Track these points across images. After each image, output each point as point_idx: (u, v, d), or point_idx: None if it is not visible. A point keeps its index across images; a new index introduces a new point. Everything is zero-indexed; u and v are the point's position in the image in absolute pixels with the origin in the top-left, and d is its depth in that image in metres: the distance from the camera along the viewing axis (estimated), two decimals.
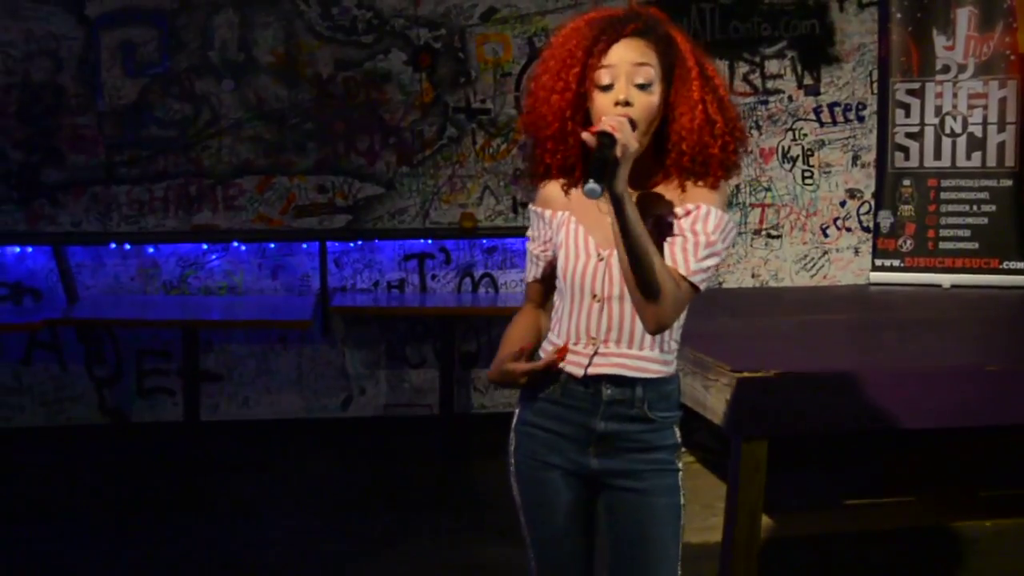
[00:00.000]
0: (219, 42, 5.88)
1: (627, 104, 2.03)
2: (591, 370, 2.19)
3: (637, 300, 2.05)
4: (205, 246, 5.97)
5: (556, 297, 2.28)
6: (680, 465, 2.29)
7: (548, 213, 2.26)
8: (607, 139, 1.95)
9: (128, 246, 5.87)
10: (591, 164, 1.94)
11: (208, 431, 5.72)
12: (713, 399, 3.80)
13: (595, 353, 2.19)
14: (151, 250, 5.93)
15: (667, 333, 2.19)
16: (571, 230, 2.20)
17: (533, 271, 2.35)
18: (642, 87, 2.05)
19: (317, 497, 5.08)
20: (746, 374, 3.64)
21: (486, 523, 4.54)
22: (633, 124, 2.03)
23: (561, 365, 2.22)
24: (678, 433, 2.29)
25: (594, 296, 2.17)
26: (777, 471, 3.81)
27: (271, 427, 6.03)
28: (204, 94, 5.89)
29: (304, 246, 6.03)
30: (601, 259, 2.15)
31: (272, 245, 6.01)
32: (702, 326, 4.79)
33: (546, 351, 2.27)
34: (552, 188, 2.25)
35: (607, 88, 2.05)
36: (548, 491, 2.26)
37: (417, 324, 6.13)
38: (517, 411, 2.34)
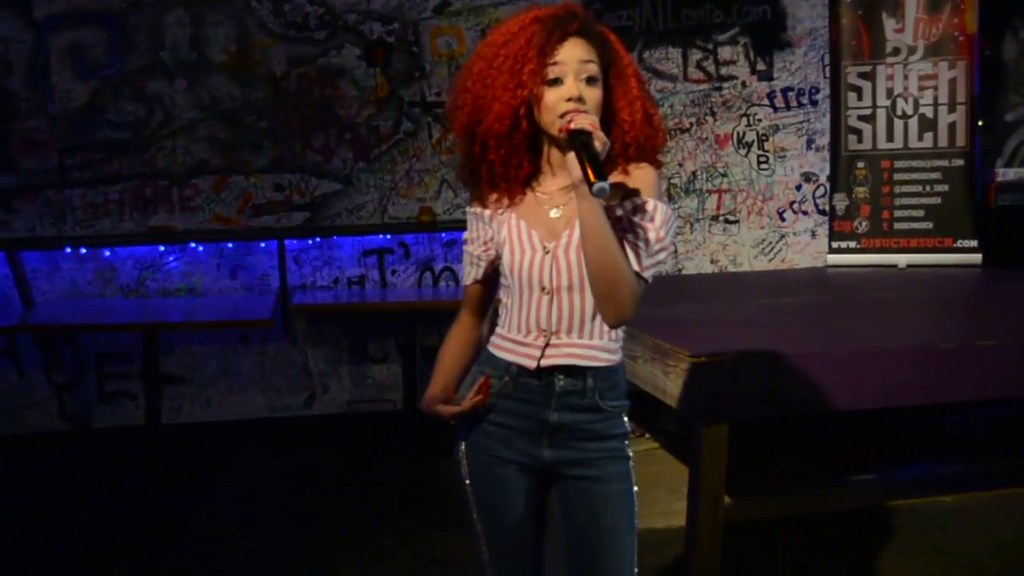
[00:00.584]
0: (170, 42, 5.84)
1: (580, 99, 2.08)
2: (544, 362, 2.21)
3: (602, 293, 2.07)
4: (162, 248, 5.92)
5: (503, 294, 2.31)
6: (631, 452, 2.30)
7: (487, 213, 2.27)
8: (586, 137, 1.99)
9: (84, 250, 5.82)
10: (591, 163, 1.95)
11: (171, 434, 5.69)
12: (673, 385, 3.82)
13: (547, 344, 2.21)
14: (107, 253, 5.88)
15: (594, 321, 2.21)
16: (514, 226, 2.22)
17: (473, 272, 2.33)
18: (590, 81, 2.11)
19: (283, 496, 5.06)
20: (704, 359, 3.67)
21: (453, 516, 4.53)
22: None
23: (513, 358, 2.24)
24: (627, 421, 2.30)
25: (543, 289, 2.19)
26: (738, 454, 3.84)
27: (235, 428, 6.00)
28: (157, 95, 5.84)
29: (262, 245, 6.00)
30: (547, 252, 2.17)
31: (230, 245, 5.97)
32: (661, 313, 4.84)
33: (495, 344, 2.30)
34: (485, 187, 2.26)
35: (555, 83, 2.09)
36: (502, 487, 2.29)
37: (378, 319, 6.12)
38: None
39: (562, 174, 2.17)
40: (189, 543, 4.46)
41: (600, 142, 1.99)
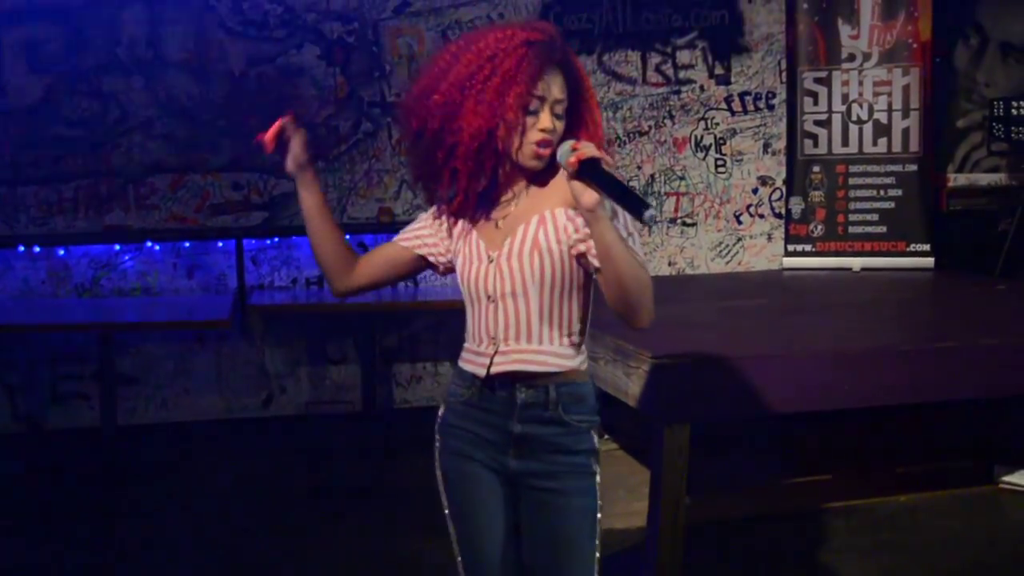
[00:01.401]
0: (127, 38, 5.78)
1: (553, 131, 2.16)
2: (493, 369, 2.23)
3: (639, 302, 2.13)
4: (118, 247, 5.86)
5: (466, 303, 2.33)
6: (598, 470, 2.30)
7: (449, 222, 2.34)
8: (597, 163, 2.03)
9: (37, 249, 5.74)
10: (628, 197, 2.01)
11: (127, 435, 5.62)
12: (634, 386, 3.84)
13: (495, 352, 2.24)
14: (61, 252, 5.80)
15: (566, 325, 2.23)
16: (470, 239, 2.28)
17: (404, 242, 2.39)
18: (558, 116, 2.19)
19: (240, 497, 5.02)
20: (666, 360, 3.69)
21: (411, 518, 4.53)
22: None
23: (471, 368, 2.28)
24: (596, 438, 2.30)
25: (488, 297, 2.24)
26: (697, 455, 3.87)
27: (191, 429, 5.94)
28: (113, 92, 5.78)
29: (220, 244, 5.95)
30: (491, 260, 2.22)
31: (187, 244, 5.92)
32: None
33: (462, 357, 2.33)
34: (443, 190, 2.28)
35: (532, 112, 2.15)
36: (473, 485, 2.30)
37: (337, 320, 6.09)
38: (440, 412, 2.38)
39: (511, 188, 2.25)
40: (144, 545, 4.41)
41: (607, 164, 2.04)
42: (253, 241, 5.97)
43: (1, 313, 5.49)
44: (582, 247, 2.15)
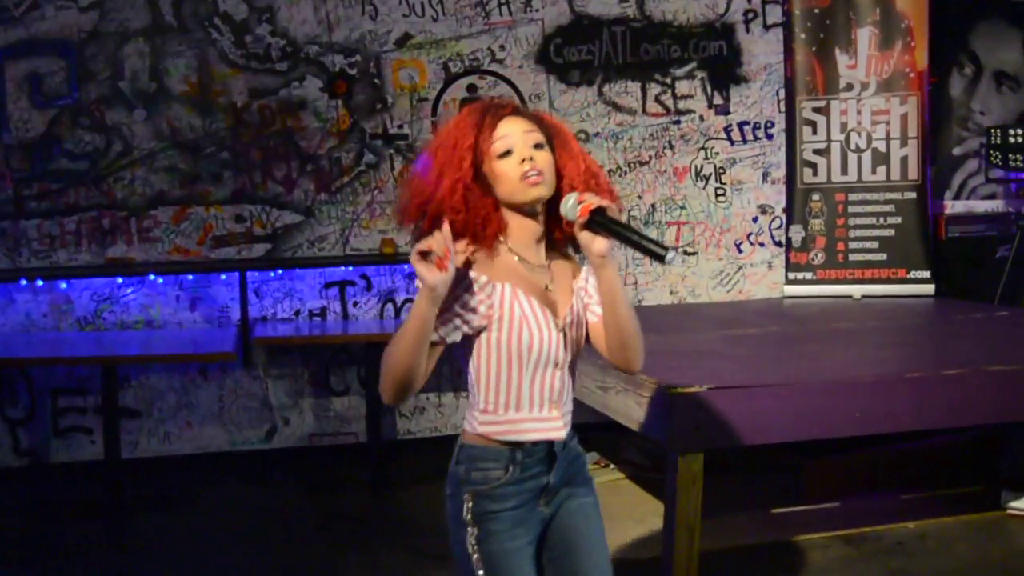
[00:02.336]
0: (130, 71, 5.78)
1: (532, 159, 2.23)
2: (566, 428, 2.34)
3: (636, 347, 2.34)
4: (120, 280, 5.84)
5: (491, 370, 2.27)
6: (591, 475, 2.48)
7: (485, 280, 2.25)
8: (603, 213, 2.16)
9: (40, 282, 5.71)
10: (644, 242, 2.15)
11: (129, 469, 5.58)
12: (646, 415, 3.85)
13: (563, 414, 2.33)
14: (64, 285, 5.78)
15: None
16: (523, 301, 2.25)
17: (442, 333, 2.23)
18: (538, 147, 2.26)
19: (244, 531, 4.99)
20: (680, 389, 3.70)
21: (419, 549, 4.52)
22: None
23: (530, 436, 2.28)
24: (579, 445, 2.46)
25: (556, 365, 2.30)
26: (706, 482, 3.87)
27: (194, 462, 5.91)
28: (115, 125, 5.78)
29: (223, 277, 5.94)
30: (560, 330, 2.30)
31: (190, 277, 5.91)
32: None
33: (494, 430, 2.29)
34: (480, 257, 2.28)
35: (506, 155, 2.25)
36: (519, 561, 2.31)
37: (340, 352, 6.08)
38: (468, 502, 2.29)
39: (533, 244, 2.32)
40: None
41: (612, 210, 2.17)
42: (256, 273, 5.96)
43: (3, 347, 5.46)
44: (586, 298, 2.35)
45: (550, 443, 2.31)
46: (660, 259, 2.12)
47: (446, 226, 2.12)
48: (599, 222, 2.16)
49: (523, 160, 2.23)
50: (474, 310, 2.23)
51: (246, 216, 5.97)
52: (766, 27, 6.58)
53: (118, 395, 5.46)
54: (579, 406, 5.41)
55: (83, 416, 5.83)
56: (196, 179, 5.90)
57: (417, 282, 2.10)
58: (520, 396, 2.28)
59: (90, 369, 5.61)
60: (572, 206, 2.19)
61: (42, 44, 5.68)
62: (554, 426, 2.30)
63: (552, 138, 2.31)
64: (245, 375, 6.00)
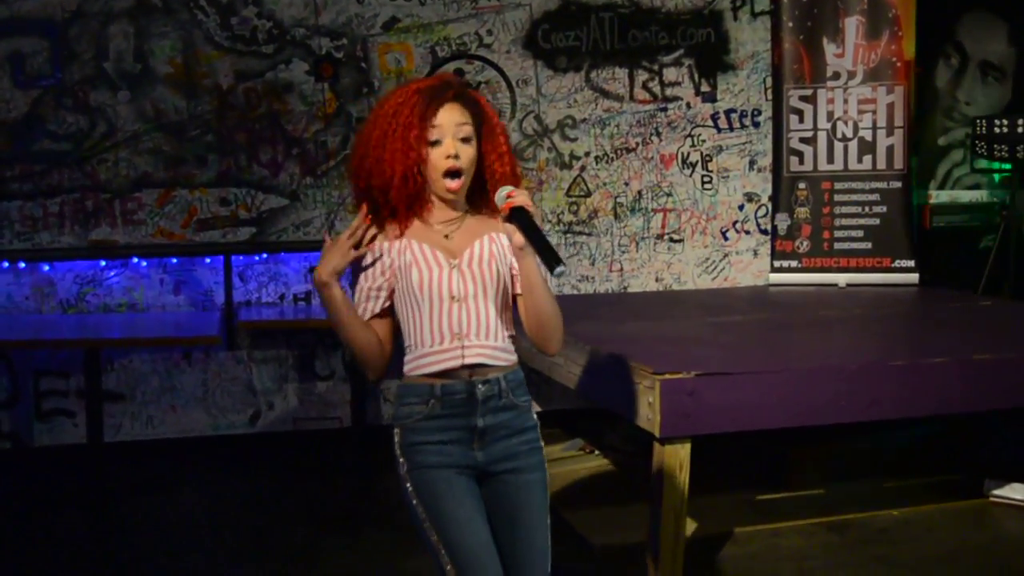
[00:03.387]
0: (114, 52, 5.73)
1: (456, 157, 2.48)
2: (465, 360, 2.48)
3: (555, 327, 2.53)
4: (103, 262, 5.79)
5: (407, 318, 2.53)
6: (542, 443, 2.62)
7: (385, 245, 2.52)
8: (523, 213, 2.40)
9: (22, 264, 5.67)
10: (546, 253, 2.37)
11: (112, 453, 5.56)
12: (636, 402, 3.85)
13: (462, 346, 2.48)
14: (46, 268, 5.74)
15: (506, 325, 2.56)
16: (416, 249, 2.50)
17: (371, 307, 2.55)
18: (465, 140, 2.50)
19: (228, 516, 4.97)
20: (668, 376, 3.70)
21: (403, 534, 4.49)
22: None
23: (436, 368, 2.48)
24: (535, 415, 2.61)
25: (452, 297, 2.49)
26: (691, 470, 3.88)
27: (177, 446, 5.88)
28: (99, 106, 5.73)
29: (207, 260, 5.91)
30: (453, 267, 2.50)
31: (174, 260, 5.87)
32: (615, 330, 4.88)
33: (412, 369, 2.53)
34: (386, 221, 2.53)
35: (436, 144, 2.48)
36: (448, 488, 2.47)
37: (325, 336, 6.05)
38: (397, 437, 2.53)
39: (443, 208, 2.56)
40: (130, 564, 4.36)
41: (533, 212, 2.41)
42: (240, 257, 5.93)
43: None
44: (515, 269, 2.52)
45: (469, 383, 2.47)
46: (551, 269, 2.36)
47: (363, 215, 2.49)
48: (515, 220, 2.40)
49: (448, 156, 2.47)
50: (382, 274, 2.52)
51: (231, 199, 5.93)
52: (754, 15, 6.58)
53: (101, 378, 5.44)
54: (565, 392, 5.43)
55: (65, 399, 5.79)
56: (181, 162, 5.85)
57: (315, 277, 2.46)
58: (422, 332, 2.50)
59: (73, 352, 5.58)
60: (501, 198, 2.43)
61: (25, 23, 5.62)
62: (451, 356, 2.48)
63: (482, 125, 2.53)
64: (229, 359, 5.97)
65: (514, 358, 2.58)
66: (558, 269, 2.34)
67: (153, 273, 5.87)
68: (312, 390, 6.10)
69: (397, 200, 2.48)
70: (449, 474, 2.47)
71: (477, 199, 2.60)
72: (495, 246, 2.53)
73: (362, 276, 2.54)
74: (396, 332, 2.59)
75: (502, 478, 2.52)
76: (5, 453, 5.72)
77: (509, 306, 2.57)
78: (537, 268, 2.45)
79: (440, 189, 2.51)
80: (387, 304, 2.56)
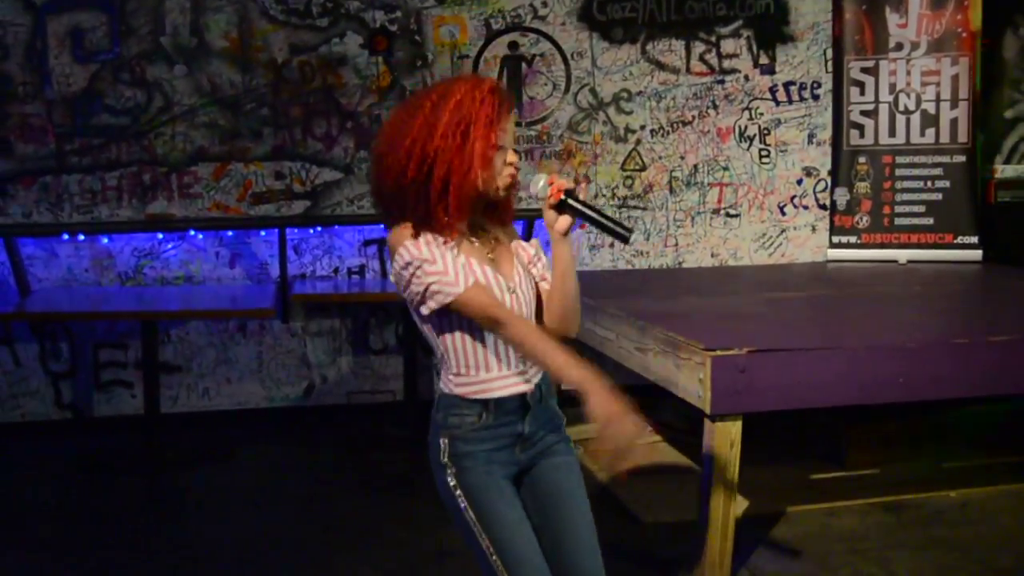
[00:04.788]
0: (170, 27, 5.77)
1: (515, 166, 2.44)
2: (533, 384, 2.47)
3: (575, 313, 2.52)
4: (160, 235, 5.86)
5: (454, 338, 2.43)
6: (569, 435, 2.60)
7: (442, 248, 2.38)
8: (574, 193, 2.40)
9: (81, 237, 5.76)
10: (609, 222, 2.42)
11: (169, 423, 5.64)
12: (685, 378, 3.81)
13: (526, 371, 2.46)
14: (105, 241, 5.82)
15: None
16: (478, 271, 2.40)
17: (464, 280, 2.36)
18: (516, 151, 2.55)
19: (282, 487, 5.02)
20: (719, 352, 3.65)
21: None
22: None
23: (499, 393, 2.43)
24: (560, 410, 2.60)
25: None
26: (744, 447, 3.83)
27: (233, 418, 5.95)
28: (156, 80, 5.78)
29: (262, 233, 5.95)
30: (512, 291, 2.45)
31: (229, 233, 5.92)
32: (668, 306, 4.83)
33: (465, 387, 2.44)
34: (434, 224, 2.39)
35: (500, 149, 2.40)
36: (500, 492, 2.46)
37: (378, 310, 6.08)
38: (443, 445, 2.46)
39: (484, 224, 2.49)
40: (186, 534, 4.42)
41: (583, 191, 2.42)
42: (295, 230, 5.97)
43: (45, 301, 5.51)
44: (534, 271, 2.53)
45: (523, 395, 2.45)
46: (624, 239, 2.39)
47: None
48: (568, 203, 2.38)
49: (509, 163, 2.41)
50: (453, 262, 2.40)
51: (285, 173, 5.96)
52: None
53: (158, 350, 5.52)
54: (617, 368, 5.39)
55: (124, 371, 5.89)
56: (236, 135, 5.89)
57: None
58: (487, 358, 2.44)
59: (131, 324, 5.66)
60: (543, 187, 2.40)
61: None
62: (519, 380, 2.45)
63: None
64: (284, 332, 6.02)
65: None
66: (632, 237, 2.33)
67: (209, 246, 5.93)
68: (366, 363, 6.13)
69: (457, 197, 2.34)
70: (496, 478, 2.46)
71: (487, 210, 2.51)
72: (523, 255, 2.54)
73: (431, 260, 2.34)
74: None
75: (538, 465, 2.52)
76: (66, 423, 5.83)
77: None
78: (573, 254, 2.45)
79: (494, 192, 2.41)
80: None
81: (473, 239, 2.45)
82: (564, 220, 2.39)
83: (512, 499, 2.47)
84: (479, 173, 2.35)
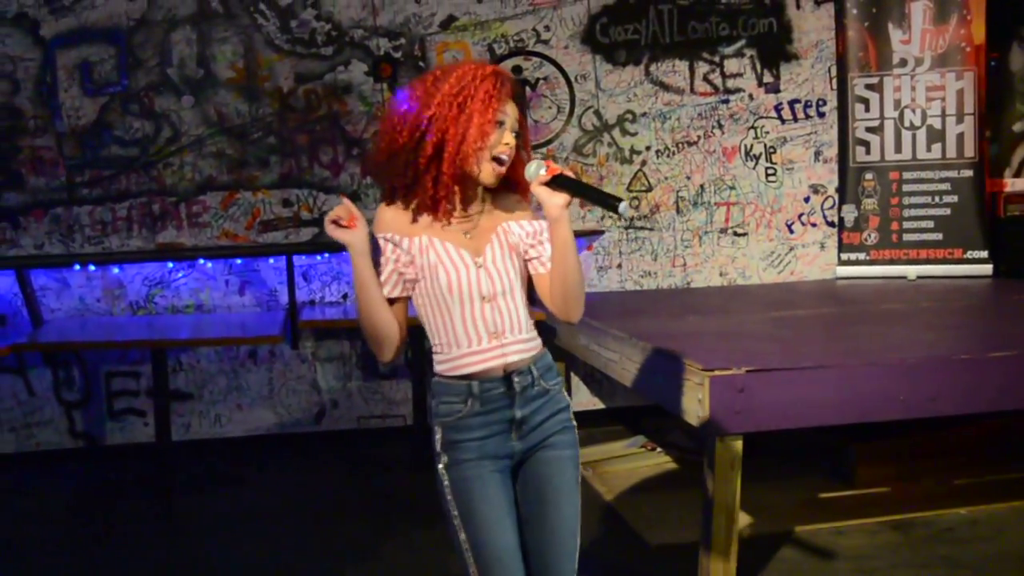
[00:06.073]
0: (177, 58, 5.85)
1: (510, 147, 2.48)
2: (507, 359, 2.49)
3: (577, 296, 2.53)
4: (171, 264, 5.92)
5: (435, 319, 2.51)
6: (574, 422, 2.62)
7: (404, 240, 2.49)
8: (566, 177, 2.44)
9: (93, 267, 5.82)
10: (598, 195, 2.47)
11: (180, 451, 5.68)
12: (686, 398, 3.81)
13: (500, 344, 2.49)
14: (116, 270, 5.88)
15: (529, 316, 2.56)
16: (440, 249, 2.48)
17: (389, 289, 2.51)
18: (516, 135, 2.51)
19: (293, 512, 5.04)
20: (718, 372, 3.65)
21: None
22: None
23: (475, 368, 2.46)
24: (567, 395, 2.64)
25: (483, 297, 2.49)
26: (749, 466, 3.82)
27: (244, 444, 5.99)
28: (164, 111, 5.85)
29: (271, 261, 6.00)
30: (480, 266, 2.50)
31: (238, 261, 5.97)
32: (673, 326, 4.83)
33: (446, 370, 2.50)
34: (392, 216, 2.52)
35: (500, 124, 2.46)
36: (482, 486, 2.48)
37: None
38: (438, 435, 2.54)
39: (468, 199, 2.51)
40: (198, 560, 4.44)
41: (572, 173, 2.47)
42: (304, 257, 6.01)
43: (58, 331, 5.56)
44: (533, 252, 2.55)
45: (508, 378, 2.48)
46: (614, 210, 2.39)
47: (346, 200, 2.47)
48: (561, 177, 2.44)
49: (506, 142, 2.46)
50: (406, 265, 2.49)
51: (293, 200, 6.01)
52: (817, 3, 6.45)
53: (170, 378, 5.56)
54: (624, 391, 5.38)
55: (136, 399, 5.94)
56: (244, 164, 5.95)
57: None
58: (456, 332, 2.49)
59: (142, 352, 5.71)
60: (535, 171, 2.46)
61: (92, 32, 5.76)
62: (493, 355, 2.48)
63: (523, 130, 2.54)
64: (294, 358, 6.06)
65: (539, 342, 2.59)
66: (622, 206, 2.38)
67: (219, 274, 5.98)
68: (375, 388, 6.16)
69: (451, 173, 2.42)
70: (485, 471, 2.48)
71: (490, 195, 2.59)
72: (510, 237, 2.54)
73: (382, 258, 2.50)
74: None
75: (535, 456, 2.54)
76: (79, 451, 5.88)
77: (525, 294, 2.58)
78: (571, 233, 2.46)
79: (486, 172, 2.46)
80: (408, 292, 2.52)
81: (453, 221, 2.49)
82: (558, 196, 2.42)
83: (497, 497, 2.48)
84: (472, 145, 2.40)
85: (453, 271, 2.47)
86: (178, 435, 5.76)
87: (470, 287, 2.47)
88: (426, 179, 2.44)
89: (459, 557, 2.48)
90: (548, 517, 2.51)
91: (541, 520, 2.51)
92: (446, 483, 2.50)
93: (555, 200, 2.42)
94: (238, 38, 5.90)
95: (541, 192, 2.43)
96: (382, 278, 2.49)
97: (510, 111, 2.48)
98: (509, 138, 2.47)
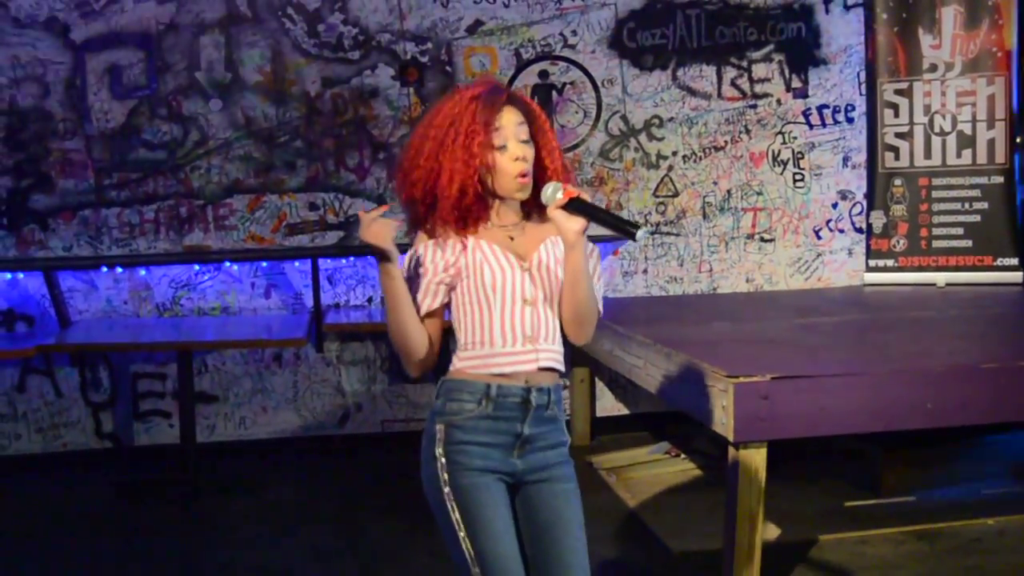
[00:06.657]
0: (206, 62, 5.88)
1: (524, 160, 2.47)
2: (540, 364, 2.48)
3: (587, 321, 2.53)
4: (197, 267, 5.95)
5: (470, 316, 2.49)
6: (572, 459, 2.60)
7: (449, 241, 2.48)
8: (581, 201, 2.40)
9: (120, 269, 5.86)
10: (619, 222, 2.43)
11: (205, 453, 5.70)
12: (711, 405, 3.78)
13: (536, 349, 2.49)
14: (143, 273, 5.92)
15: (559, 327, 2.55)
16: (487, 249, 2.48)
17: (429, 302, 2.50)
18: (525, 142, 2.49)
19: (316, 516, 5.05)
20: (742, 379, 3.63)
21: None
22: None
23: (501, 369, 2.45)
24: (567, 432, 2.61)
25: (524, 300, 2.49)
26: (773, 475, 3.79)
27: (269, 447, 6.00)
28: (192, 115, 5.88)
29: (296, 264, 6.02)
30: (525, 270, 2.50)
31: (264, 264, 5.99)
32: (698, 332, 4.81)
33: (469, 366, 2.48)
34: (443, 231, 2.51)
35: (503, 148, 2.46)
36: (487, 495, 2.45)
37: None
38: (439, 433, 2.48)
39: (505, 213, 2.53)
40: (222, 562, 4.46)
41: (588, 196, 2.43)
42: (329, 260, 6.02)
43: (85, 333, 5.61)
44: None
45: (526, 389, 2.46)
46: (632, 236, 2.38)
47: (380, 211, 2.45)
48: (578, 201, 2.40)
49: (517, 159, 2.45)
50: (444, 270, 2.48)
51: (319, 204, 6.03)
52: (846, 7, 6.41)
53: (195, 380, 5.59)
54: (649, 397, 5.35)
55: (162, 400, 5.97)
56: (270, 168, 5.98)
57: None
58: (493, 331, 2.48)
59: (168, 354, 5.74)
60: (552, 194, 2.42)
61: (121, 37, 5.80)
62: (527, 359, 2.48)
63: (534, 123, 2.52)
64: (319, 361, 6.07)
65: (563, 367, 2.58)
66: (640, 232, 2.37)
67: (245, 277, 6.00)
68: (400, 392, 6.16)
69: (448, 213, 2.45)
70: (489, 480, 2.45)
71: (530, 203, 2.56)
72: (558, 250, 2.51)
73: (421, 269, 2.49)
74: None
75: (539, 487, 2.51)
76: (106, 452, 5.91)
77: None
78: (586, 259, 2.45)
79: (512, 189, 2.47)
80: (445, 302, 2.52)
81: (498, 226, 2.51)
82: (575, 221, 2.39)
83: (500, 506, 2.45)
84: (470, 174, 2.42)
85: (499, 270, 2.47)
86: (203, 437, 5.79)
87: (514, 288, 2.48)
88: (436, 223, 2.49)
89: (459, 564, 2.43)
90: (562, 551, 2.47)
91: (553, 553, 2.47)
92: (447, 491, 2.44)
93: (572, 225, 2.39)
94: (266, 42, 5.92)
95: (558, 216, 2.40)
96: (421, 290, 2.49)
97: (508, 121, 2.46)
98: (517, 151, 2.46)
